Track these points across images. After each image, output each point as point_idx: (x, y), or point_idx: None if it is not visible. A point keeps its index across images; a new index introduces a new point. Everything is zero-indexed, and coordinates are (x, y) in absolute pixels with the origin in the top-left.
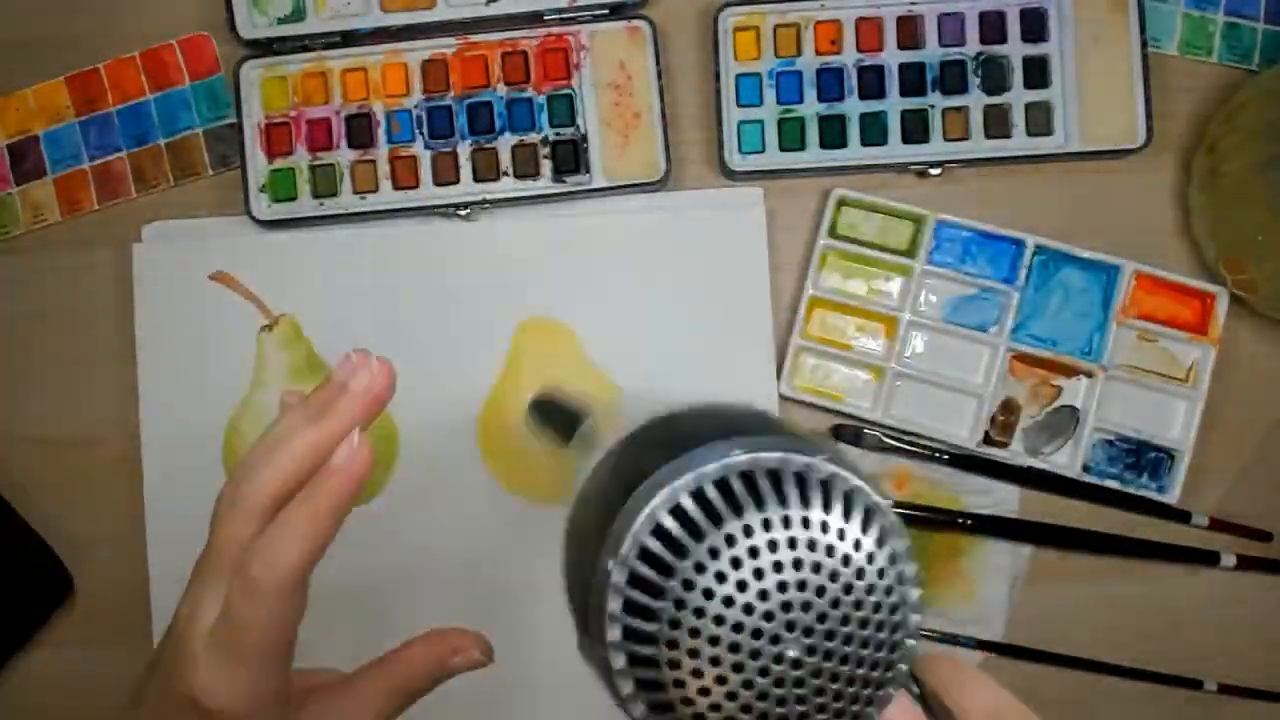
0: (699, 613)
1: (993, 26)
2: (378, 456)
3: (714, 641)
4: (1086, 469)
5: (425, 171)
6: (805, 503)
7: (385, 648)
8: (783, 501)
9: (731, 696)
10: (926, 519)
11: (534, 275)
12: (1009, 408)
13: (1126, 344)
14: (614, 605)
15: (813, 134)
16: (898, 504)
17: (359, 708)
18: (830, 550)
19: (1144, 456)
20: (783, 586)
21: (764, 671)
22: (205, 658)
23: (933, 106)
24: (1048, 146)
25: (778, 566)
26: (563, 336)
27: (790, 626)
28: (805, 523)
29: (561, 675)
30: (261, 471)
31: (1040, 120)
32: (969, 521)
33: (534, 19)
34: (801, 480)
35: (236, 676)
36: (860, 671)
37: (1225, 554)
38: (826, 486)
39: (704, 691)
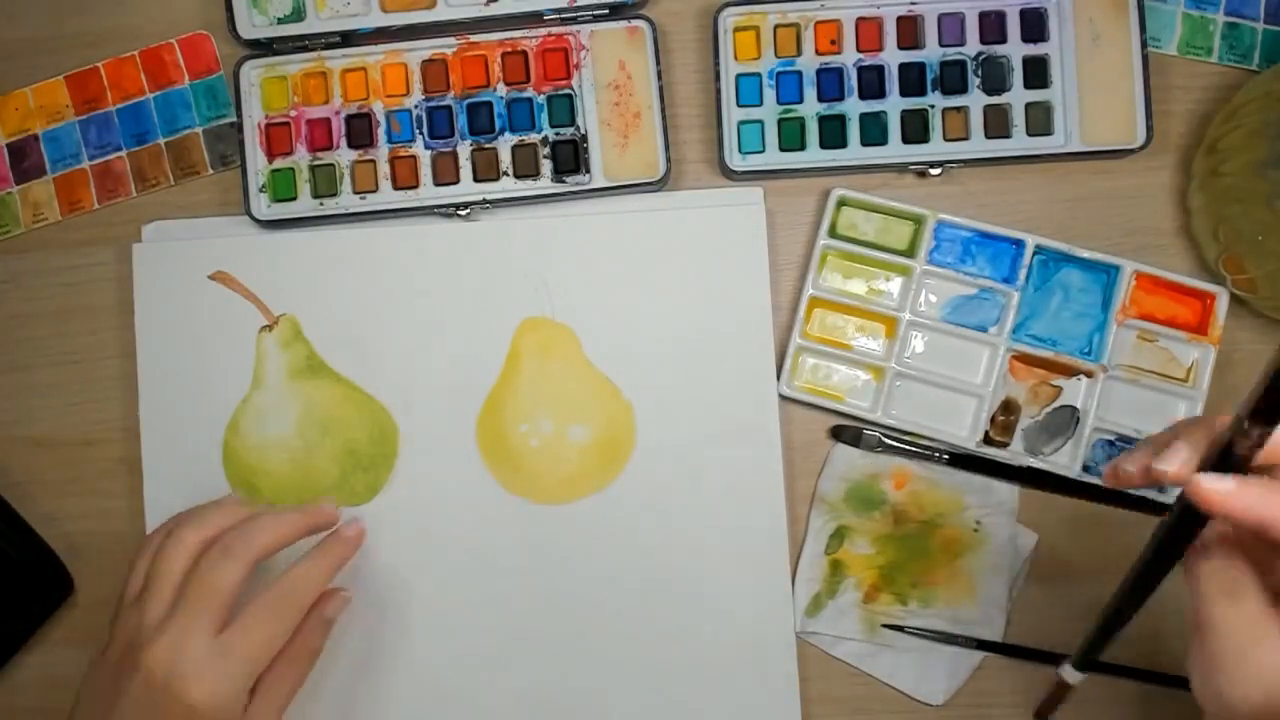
0: None
1: (993, 26)
2: (377, 456)
3: None
4: (1086, 469)
5: (425, 171)
6: None
7: (383, 645)
8: None
9: None
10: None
11: (534, 275)
12: (1009, 408)
13: (1126, 344)
14: None
15: (813, 134)
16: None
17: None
18: None
19: None
20: None
21: None
22: (211, 666)
23: (933, 106)
24: (1048, 146)
25: None
26: (563, 337)
27: None
28: None
29: (562, 675)
30: (256, 536)
31: (1040, 120)
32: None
33: (534, 19)
34: None
35: (241, 676)
36: None
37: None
38: None
39: None
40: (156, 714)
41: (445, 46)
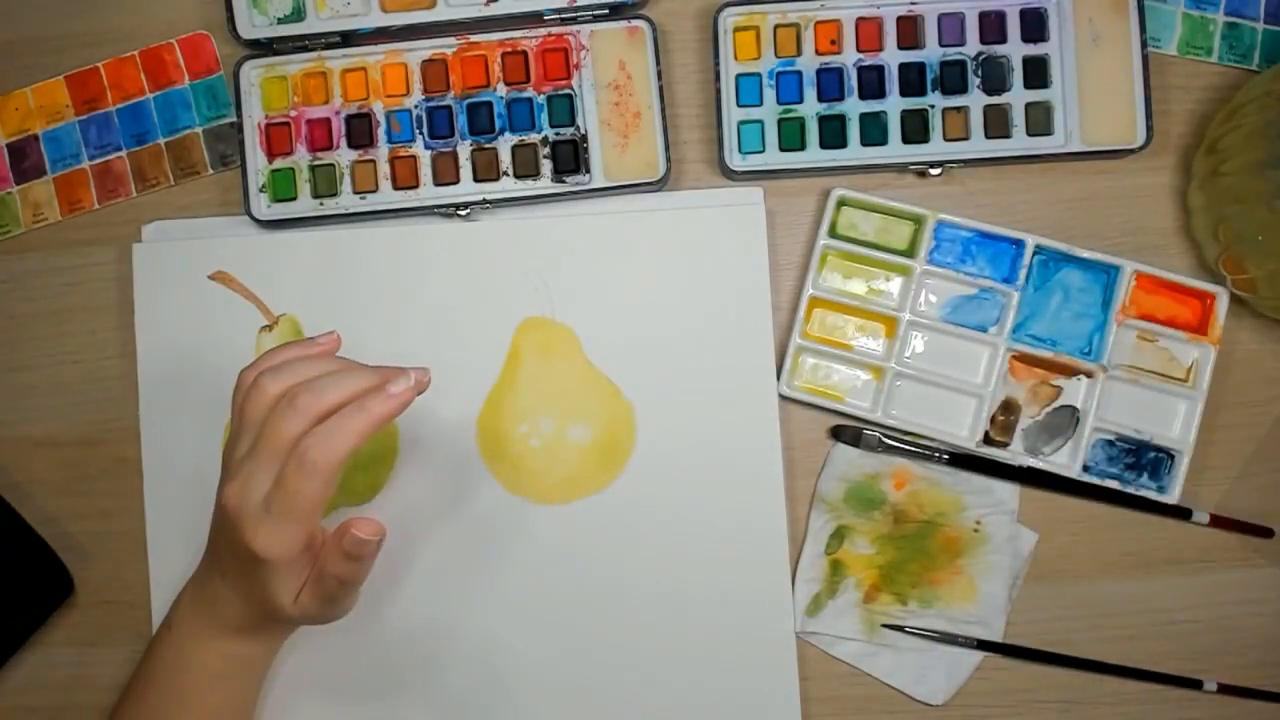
0: None
1: (993, 26)
2: (376, 455)
3: None
4: (1086, 469)
5: (425, 171)
6: None
7: (383, 644)
8: None
9: None
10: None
11: (534, 275)
12: (1009, 408)
13: (1126, 344)
14: None
15: (813, 134)
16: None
17: (329, 555)
18: None
19: (1144, 456)
20: None
21: None
22: (263, 520)
23: (933, 106)
24: (1048, 146)
25: None
26: (562, 336)
27: None
28: None
29: (562, 674)
30: (327, 392)
31: (1040, 120)
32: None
33: (534, 19)
34: None
35: (287, 532)
36: None
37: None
38: None
39: None
40: (237, 549)
41: (445, 46)
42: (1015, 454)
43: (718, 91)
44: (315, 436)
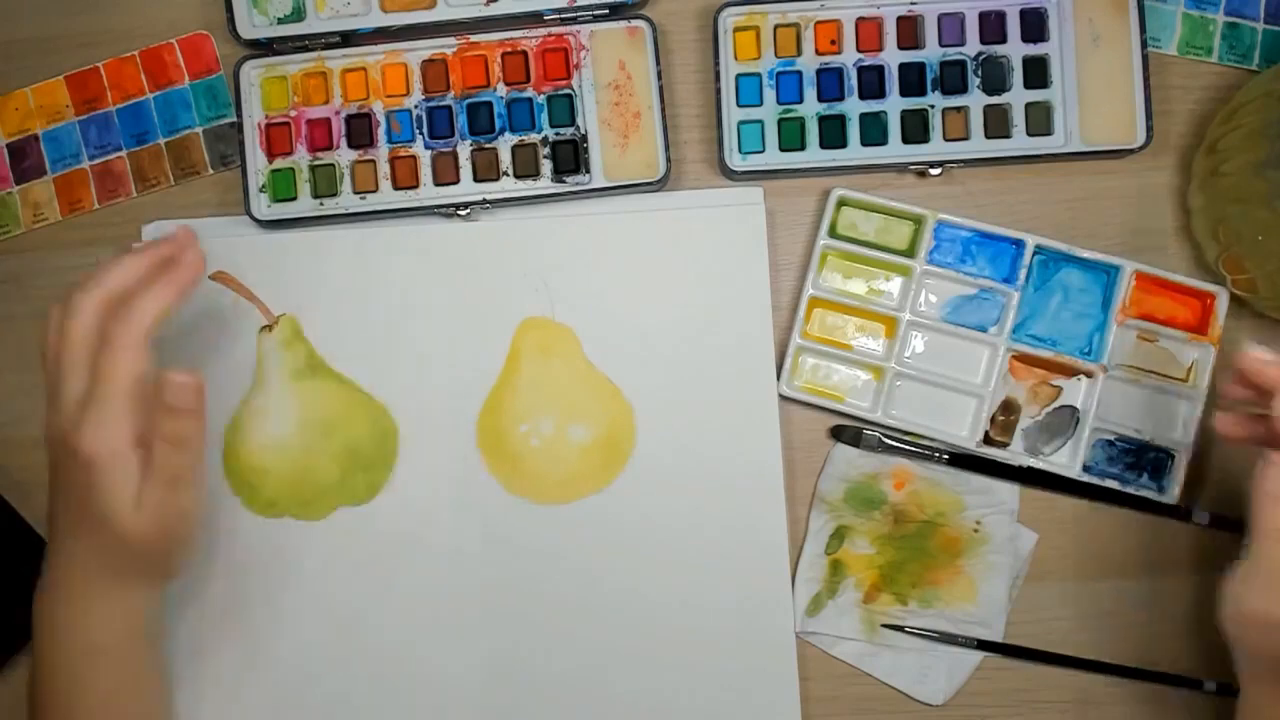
0: None
1: (993, 26)
2: (377, 456)
3: None
4: (1086, 469)
5: (425, 171)
6: None
7: (383, 643)
8: None
9: None
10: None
11: (534, 275)
12: (1009, 408)
13: (1126, 344)
14: None
15: (813, 134)
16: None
17: (156, 419)
18: None
19: (1144, 456)
20: None
21: None
22: (84, 416)
23: (933, 106)
24: (1048, 146)
25: None
26: (563, 336)
27: None
28: None
29: (562, 674)
30: (95, 289)
31: (1040, 120)
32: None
33: (534, 19)
34: None
35: (108, 418)
36: None
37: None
38: None
39: None
40: (68, 471)
41: (445, 46)
42: (1015, 454)
43: (718, 91)
44: (119, 317)
